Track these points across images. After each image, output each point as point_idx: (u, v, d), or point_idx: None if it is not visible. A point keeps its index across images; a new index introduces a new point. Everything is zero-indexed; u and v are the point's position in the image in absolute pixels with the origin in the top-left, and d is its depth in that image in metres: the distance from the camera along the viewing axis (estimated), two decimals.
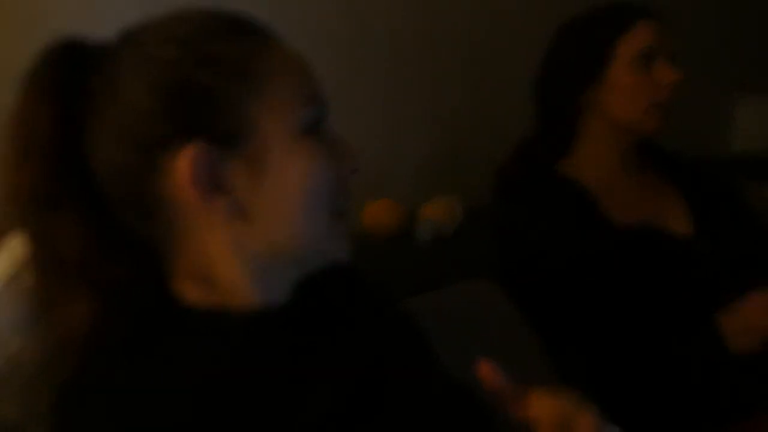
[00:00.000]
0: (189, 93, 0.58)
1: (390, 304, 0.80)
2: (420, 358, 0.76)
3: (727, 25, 2.35)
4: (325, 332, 0.67)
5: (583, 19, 1.25)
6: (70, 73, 0.60)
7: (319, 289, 0.69)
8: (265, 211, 0.60)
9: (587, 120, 1.25)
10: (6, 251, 0.68)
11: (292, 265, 0.65)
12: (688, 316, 1.11)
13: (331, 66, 1.48)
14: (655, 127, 1.21)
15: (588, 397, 1.10)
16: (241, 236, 0.61)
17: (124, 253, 0.61)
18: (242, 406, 0.58)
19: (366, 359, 0.68)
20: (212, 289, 0.62)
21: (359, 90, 1.48)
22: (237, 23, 0.62)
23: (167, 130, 0.58)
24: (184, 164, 0.57)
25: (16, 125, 0.60)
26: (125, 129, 0.58)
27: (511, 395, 0.61)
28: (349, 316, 0.71)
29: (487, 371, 0.61)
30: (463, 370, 0.79)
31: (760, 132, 2.39)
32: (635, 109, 1.20)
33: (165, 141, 0.58)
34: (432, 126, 1.64)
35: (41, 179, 0.59)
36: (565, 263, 1.16)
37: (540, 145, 1.30)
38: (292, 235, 0.62)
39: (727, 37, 2.36)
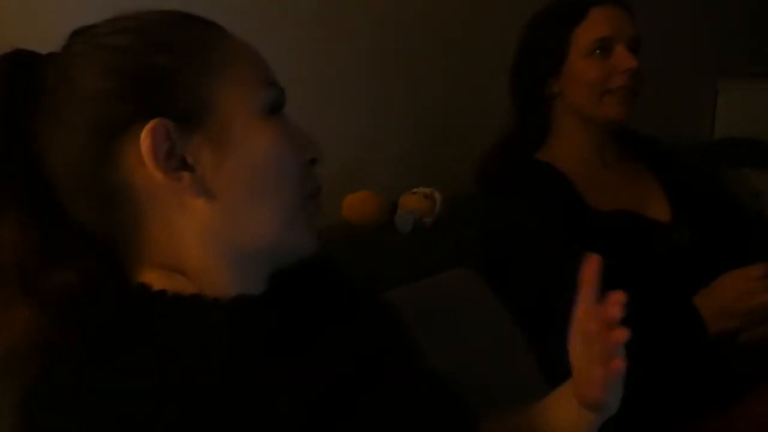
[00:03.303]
0: (145, 75, 0.58)
1: (369, 295, 0.78)
2: (400, 349, 0.74)
3: (708, 12, 2.36)
4: (302, 324, 0.66)
5: (542, 13, 1.28)
6: (18, 75, 0.60)
7: (296, 281, 0.68)
8: (230, 188, 0.60)
9: (558, 112, 1.27)
10: None
11: (262, 254, 0.64)
12: (666, 299, 1.11)
13: (311, 59, 1.47)
14: (616, 115, 1.21)
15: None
16: (209, 219, 0.60)
17: (74, 255, 0.60)
18: (215, 400, 0.57)
19: (344, 351, 0.66)
20: (182, 278, 0.61)
21: (339, 82, 1.48)
22: (188, 17, 0.63)
23: (127, 110, 0.57)
24: (145, 140, 0.57)
25: None
26: (82, 117, 0.58)
27: (592, 297, 0.69)
28: (326, 308, 0.70)
29: (593, 267, 0.69)
30: (445, 359, 0.78)
31: (741, 118, 2.41)
32: (591, 98, 1.20)
33: (124, 123, 0.57)
34: (411, 117, 1.63)
35: None
36: (547, 249, 1.15)
37: (518, 136, 1.31)
38: (257, 214, 0.61)
39: (708, 23, 2.37)
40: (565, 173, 1.23)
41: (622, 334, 0.65)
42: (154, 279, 0.61)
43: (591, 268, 0.69)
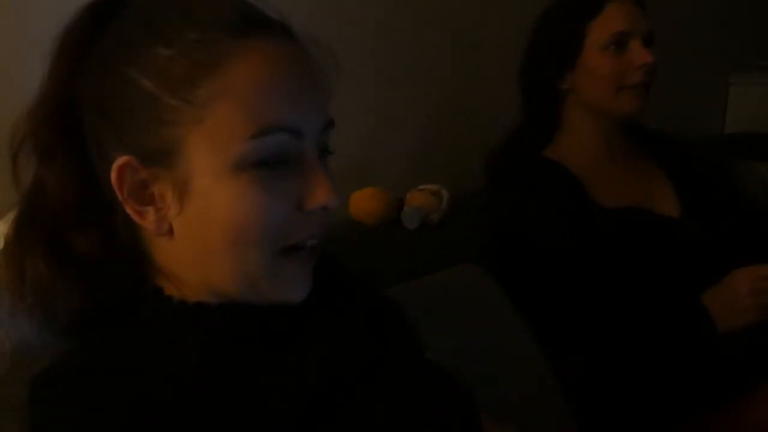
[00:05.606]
0: (131, 102, 0.57)
1: (371, 291, 0.79)
2: (403, 344, 0.75)
3: (720, 5, 2.34)
4: (305, 321, 0.66)
5: (556, 6, 1.26)
6: (87, 32, 0.61)
7: None
8: (190, 235, 0.59)
9: (568, 106, 1.26)
10: None
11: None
12: (676, 296, 1.10)
13: None
14: (630, 110, 1.21)
15: (578, 381, 1.10)
16: (177, 255, 0.61)
17: (102, 226, 0.61)
18: (216, 395, 0.57)
19: (347, 348, 0.67)
20: (181, 285, 0.62)
21: (346, 79, 1.47)
22: (213, 16, 0.58)
23: (109, 137, 0.59)
24: (113, 175, 0.58)
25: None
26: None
27: None
28: (327, 306, 0.70)
29: None
30: (452, 355, 0.78)
31: (752, 112, 2.39)
32: (607, 93, 1.20)
33: (106, 147, 0.59)
34: (419, 114, 1.62)
35: (41, 127, 0.60)
36: (555, 246, 1.15)
37: (527, 132, 1.30)
38: (217, 267, 0.59)
39: (719, 18, 2.34)
40: (573, 171, 1.23)
41: None
42: (165, 284, 0.63)
43: None
